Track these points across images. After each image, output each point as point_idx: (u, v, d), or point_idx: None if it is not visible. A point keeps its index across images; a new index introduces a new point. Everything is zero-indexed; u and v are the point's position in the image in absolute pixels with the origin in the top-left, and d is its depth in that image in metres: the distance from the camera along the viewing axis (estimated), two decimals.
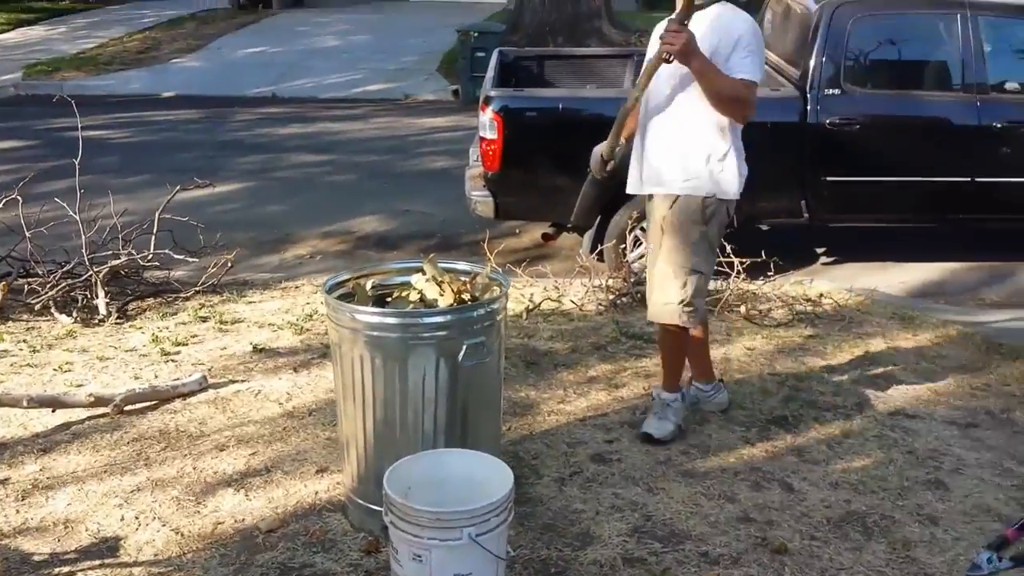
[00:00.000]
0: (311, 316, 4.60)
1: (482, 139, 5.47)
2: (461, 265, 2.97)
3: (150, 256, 5.02)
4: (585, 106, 5.71)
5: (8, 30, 18.49)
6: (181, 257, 5.01)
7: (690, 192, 3.15)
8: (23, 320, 4.55)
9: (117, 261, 4.88)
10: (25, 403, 3.20)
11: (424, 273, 2.83)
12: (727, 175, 3.14)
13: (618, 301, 4.75)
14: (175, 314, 4.64)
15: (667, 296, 3.20)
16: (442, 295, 2.77)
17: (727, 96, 3.01)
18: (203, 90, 13.17)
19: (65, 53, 15.83)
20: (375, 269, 2.97)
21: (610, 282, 4.91)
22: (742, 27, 3.07)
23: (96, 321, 4.49)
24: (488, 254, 4.95)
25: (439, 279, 2.79)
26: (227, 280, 5.27)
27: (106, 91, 13.01)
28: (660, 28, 3.06)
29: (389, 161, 9.28)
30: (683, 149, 3.15)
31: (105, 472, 2.97)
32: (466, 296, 2.76)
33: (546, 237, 6.25)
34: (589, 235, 5.56)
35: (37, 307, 4.58)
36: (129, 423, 3.26)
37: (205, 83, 13.63)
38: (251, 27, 18.28)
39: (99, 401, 3.28)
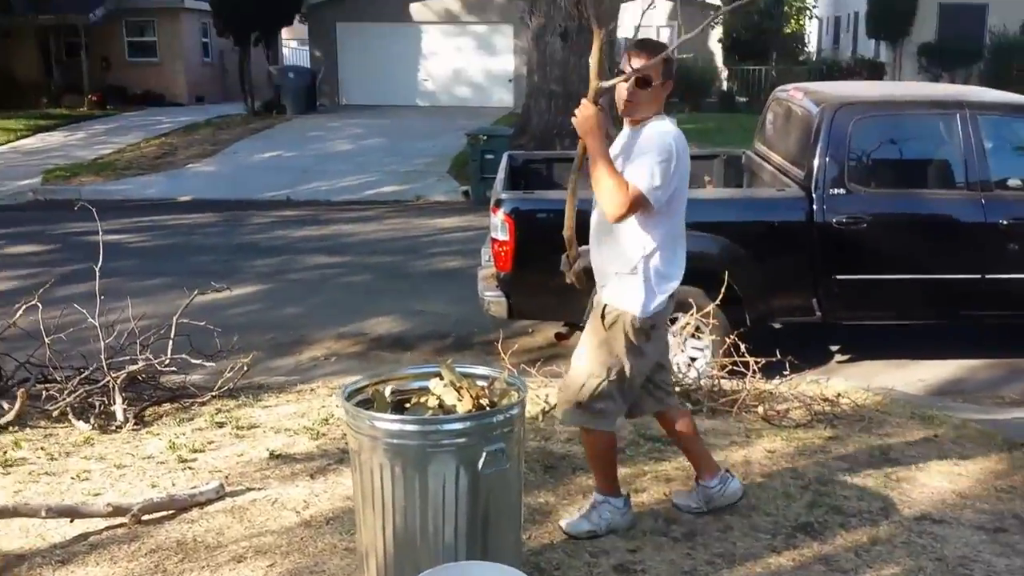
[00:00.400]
0: (327, 420, 4.59)
1: (494, 240, 5.56)
2: (479, 370, 2.98)
3: (167, 361, 5.04)
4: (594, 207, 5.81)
5: (27, 136, 19.02)
6: (198, 362, 5.03)
7: (601, 298, 3.23)
8: (41, 427, 4.55)
9: (135, 367, 4.91)
10: (43, 513, 3.18)
11: (442, 378, 2.84)
12: (630, 290, 3.16)
13: None
14: (192, 419, 4.64)
15: (566, 395, 3.28)
16: (460, 401, 2.77)
17: (602, 186, 3.03)
18: (219, 194, 13.46)
19: (83, 159, 16.26)
20: (393, 375, 2.98)
21: None
22: (656, 141, 3.10)
23: (114, 427, 4.49)
24: (502, 354, 4.97)
25: (457, 384, 2.80)
26: (243, 384, 5.29)
27: (124, 196, 13.31)
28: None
29: (402, 262, 9.41)
30: (602, 256, 3.26)
31: None
32: (484, 402, 2.77)
33: (559, 337, 6.32)
34: None
35: (55, 414, 4.59)
36: (147, 533, 3.23)
37: (221, 187, 13.95)
38: (265, 132, 18.80)
39: (117, 511, 3.26)
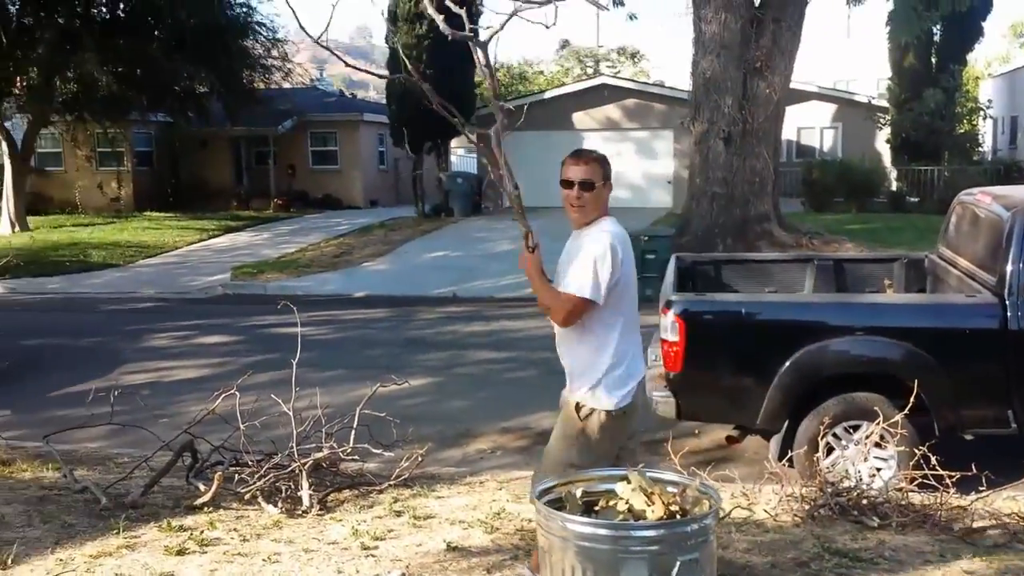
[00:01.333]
0: (499, 514, 4.64)
1: (663, 341, 5.55)
2: (668, 475, 2.96)
3: (349, 449, 5.27)
4: (767, 310, 5.74)
5: (218, 235, 20.67)
6: (378, 451, 5.22)
7: (571, 397, 3.56)
8: (233, 508, 4.83)
9: (320, 454, 5.15)
10: None
11: (629, 481, 2.84)
12: (597, 389, 3.48)
13: (815, 513, 4.55)
14: (371, 507, 4.80)
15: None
16: (649, 506, 2.76)
17: (551, 307, 3.46)
18: (391, 290, 14.12)
19: (268, 257, 17.47)
20: (580, 476, 3.01)
21: (804, 491, 4.73)
22: (592, 244, 3.41)
23: (300, 512, 4.70)
24: (672, 456, 4.90)
25: (647, 490, 2.79)
26: (416, 473, 5.44)
27: (305, 291, 14.15)
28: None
29: None
30: (568, 360, 3.59)
31: None
32: (675, 509, 2.74)
33: (730, 440, 6.19)
34: (776, 440, 5.44)
35: (246, 496, 4.86)
36: None
37: (393, 284, 14.63)
38: (434, 233, 19.65)
39: None
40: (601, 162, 3.52)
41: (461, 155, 32.84)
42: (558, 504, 2.80)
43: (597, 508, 2.82)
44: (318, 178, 26.95)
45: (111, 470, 5.80)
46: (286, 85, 24.89)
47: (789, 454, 5.20)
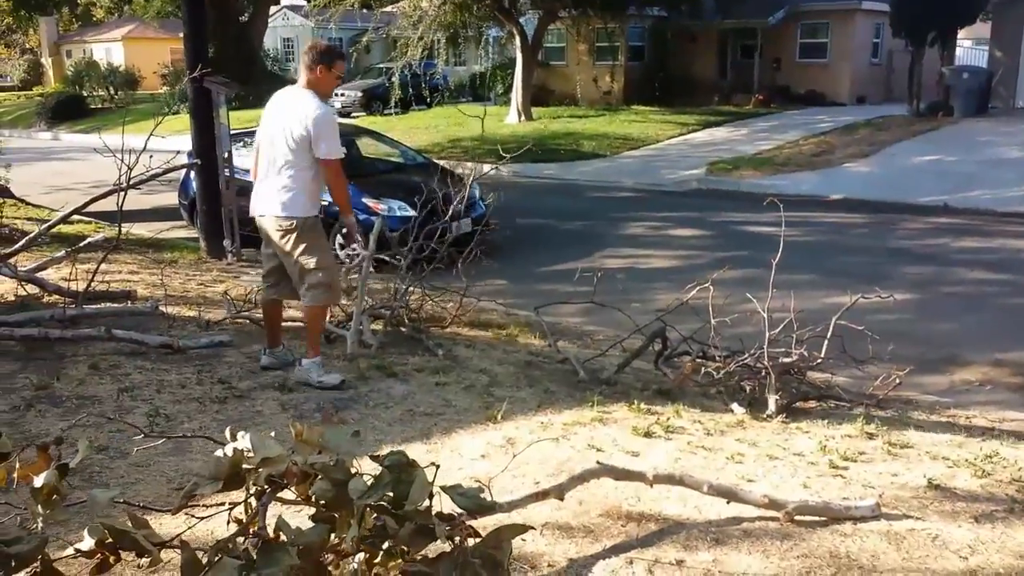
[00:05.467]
0: (990, 457, 4.06)
1: None
2: None
3: (820, 359, 4.99)
4: None
5: (697, 130, 20.79)
6: (853, 366, 4.88)
7: None
8: (697, 400, 4.87)
9: (789, 359, 4.94)
10: (705, 488, 3.33)
11: None
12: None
13: None
14: (840, 424, 4.50)
15: None
16: None
17: None
18: (871, 195, 13.12)
19: (744, 153, 17.19)
20: None
21: None
22: None
23: (764, 416, 4.58)
24: None
25: None
26: (891, 395, 5.01)
27: (777, 191, 13.70)
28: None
29: None
30: None
31: None
32: None
33: None
34: None
35: (712, 391, 4.86)
36: (798, 534, 3.17)
37: (874, 188, 13.57)
38: (928, 135, 17.76)
39: (772, 504, 3.27)
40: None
41: (968, 47, 28.92)
42: None
43: None
44: (803, 72, 25.67)
45: (587, 345, 6.22)
46: None
47: None
